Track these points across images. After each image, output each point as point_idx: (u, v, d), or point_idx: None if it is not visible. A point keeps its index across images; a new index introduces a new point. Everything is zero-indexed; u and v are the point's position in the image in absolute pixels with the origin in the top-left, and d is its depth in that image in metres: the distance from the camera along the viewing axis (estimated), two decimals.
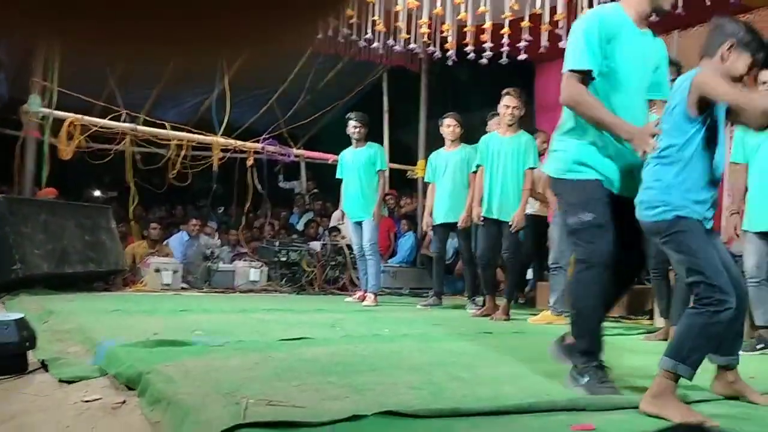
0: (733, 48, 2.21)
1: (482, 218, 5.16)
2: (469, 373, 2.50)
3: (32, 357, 2.68)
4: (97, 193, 9.46)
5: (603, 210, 2.38)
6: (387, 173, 6.29)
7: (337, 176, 6.18)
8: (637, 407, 2.01)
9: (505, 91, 5.13)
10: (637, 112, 2.47)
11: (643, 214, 2.24)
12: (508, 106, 5.07)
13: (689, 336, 2.07)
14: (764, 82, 3.70)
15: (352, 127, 5.97)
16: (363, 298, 5.92)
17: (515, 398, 2.06)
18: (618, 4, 2.56)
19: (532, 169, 5.08)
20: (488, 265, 5.25)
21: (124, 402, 2.10)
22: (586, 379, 2.28)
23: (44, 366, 2.60)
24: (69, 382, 2.37)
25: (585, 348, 2.35)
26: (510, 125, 5.12)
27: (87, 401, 2.14)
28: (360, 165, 5.93)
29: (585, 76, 2.43)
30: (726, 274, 2.11)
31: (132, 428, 1.87)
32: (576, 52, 2.44)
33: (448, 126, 5.85)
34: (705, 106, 2.14)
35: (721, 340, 2.17)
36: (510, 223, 4.98)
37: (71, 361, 2.67)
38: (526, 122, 9.20)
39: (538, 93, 9.05)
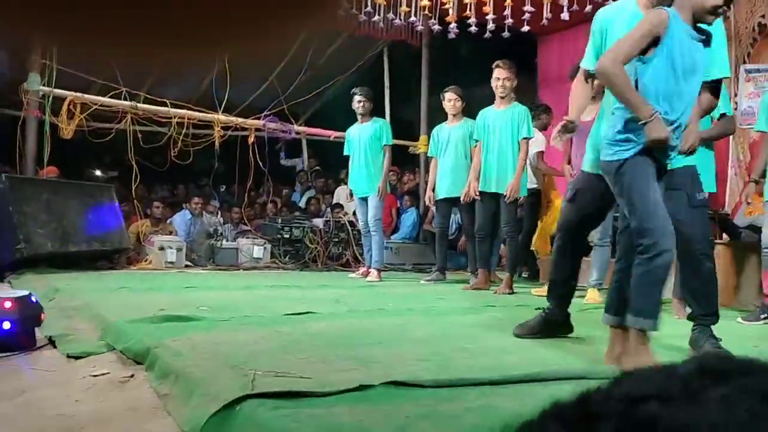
0: None
1: (479, 192, 5.16)
2: (474, 345, 2.51)
3: (40, 334, 2.70)
4: (98, 172, 9.44)
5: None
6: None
7: (345, 153, 6.16)
8: None
9: (495, 63, 5.08)
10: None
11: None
12: (498, 78, 5.04)
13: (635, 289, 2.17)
14: None
15: (357, 101, 5.94)
16: (366, 274, 5.94)
17: (521, 368, 2.07)
18: None
19: (527, 139, 5.06)
20: (485, 239, 5.25)
21: (132, 376, 2.11)
22: None
23: (52, 342, 2.62)
24: (77, 358, 2.39)
25: None
26: (503, 97, 5.09)
27: (95, 376, 2.16)
28: (365, 140, 5.90)
29: None
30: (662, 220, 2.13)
31: (141, 401, 1.88)
32: None
33: (450, 100, 5.81)
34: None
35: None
36: (505, 194, 4.98)
37: (79, 337, 2.69)
38: (530, 95, 9.18)
39: (541, 65, 8.99)
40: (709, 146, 3.85)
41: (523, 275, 6.41)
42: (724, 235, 5.35)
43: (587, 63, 2.80)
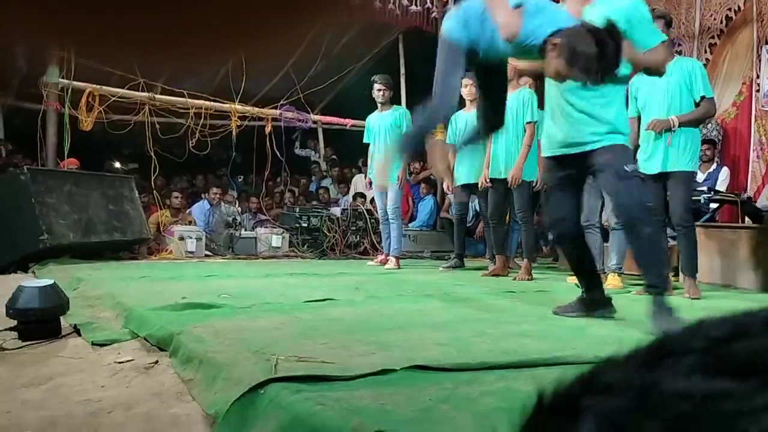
0: None
1: (489, 179, 5.16)
2: (494, 330, 2.51)
3: (65, 322, 2.74)
4: (117, 164, 9.53)
5: None
6: None
7: (365, 141, 6.15)
8: None
9: None
10: None
11: None
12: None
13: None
14: None
15: (377, 90, 5.93)
16: (385, 262, 5.95)
17: (541, 352, 2.07)
18: None
19: (532, 123, 5.03)
20: (498, 225, 5.24)
21: (156, 362, 2.14)
22: None
23: (77, 330, 2.66)
24: (102, 345, 2.42)
25: None
26: (510, 80, 5.06)
27: (120, 362, 2.20)
28: (385, 128, 5.89)
29: None
30: None
31: (165, 385, 1.91)
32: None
33: (465, 86, 5.77)
34: None
35: None
36: (507, 180, 4.99)
37: (103, 325, 2.73)
38: (540, 77, 9.06)
39: None
40: (692, 126, 3.97)
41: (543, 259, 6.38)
42: (747, 219, 5.28)
43: None
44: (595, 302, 2.93)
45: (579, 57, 2.36)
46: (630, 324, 2.78)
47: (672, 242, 4.72)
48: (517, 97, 5.05)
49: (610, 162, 2.67)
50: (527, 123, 5.03)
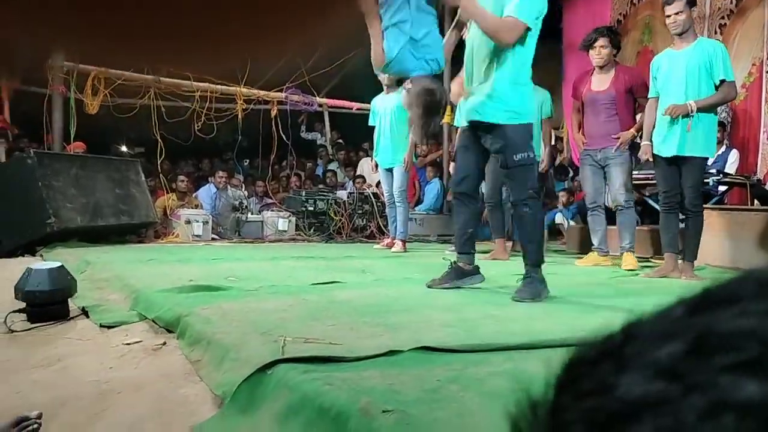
0: None
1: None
2: (501, 311, 2.51)
3: (73, 304, 2.75)
4: (123, 148, 9.52)
5: None
6: None
7: (370, 123, 6.12)
8: None
9: None
10: None
11: None
12: None
13: None
14: (668, 16, 3.88)
15: None
16: (391, 245, 5.94)
17: (548, 333, 2.06)
18: None
19: (549, 119, 5.09)
20: (495, 208, 5.22)
21: (164, 343, 2.15)
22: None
23: (85, 312, 2.68)
24: (110, 327, 2.44)
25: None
26: None
27: (128, 344, 2.21)
28: (391, 111, 5.84)
29: None
30: None
31: (173, 367, 1.91)
32: None
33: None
34: None
35: None
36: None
37: (111, 308, 2.74)
38: (555, 61, 9.01)
39: (566, 32, 8.81)
40: (711, 111, 3.90)
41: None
42: (756, 202, 5.24)
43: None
44: (465, 271, 3.19)
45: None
46: (638, 305, 2.76)
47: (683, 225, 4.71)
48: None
49: (500, 150, 2.93)
50: (546, 119, 5.06)
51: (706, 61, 3.82)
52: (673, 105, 3.82)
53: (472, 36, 3.02)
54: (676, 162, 3.91)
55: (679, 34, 3.89)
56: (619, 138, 4.50)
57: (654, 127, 4.04)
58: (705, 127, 3.84)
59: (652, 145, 4.04)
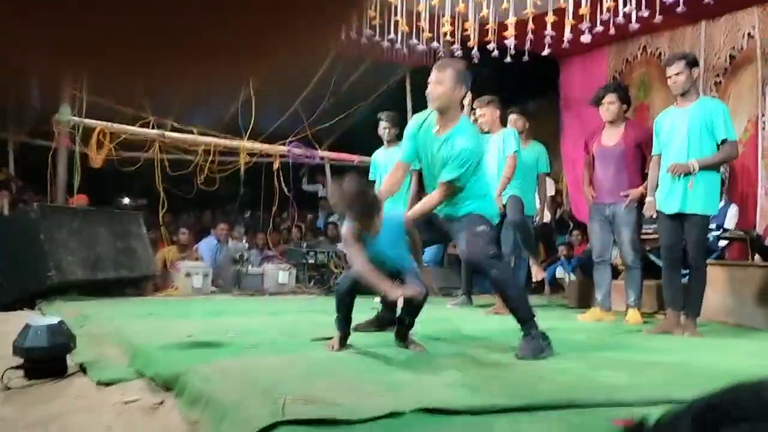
0: None
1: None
2: (505, 370, 2.48)
3: (71, 360, 2.72)
4: (126, 200, 9.59)
5: None
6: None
7: (370, 177, 6.18)
8: (675, 402, 1.98)
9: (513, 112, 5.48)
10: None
11: None
12: (482, 116, 5.33)
13: None
14: (669, 77, 4.01)
15: (383, 127, 5.99)
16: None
17: (553, 394, 2.03)
18: None
19: (512, 155, 5.14)
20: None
21: (162, 402, 2.12)
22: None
23: (83, 369, 2.65)
24: (107, 384, 2.40)
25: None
26: (490, 130, 5.29)
27: (126, 402, 2.17)
28: (392, 165, 5.92)
29: None
30: None
31: (171, 428, 1.88)
32: None
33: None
34: None
35: None
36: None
37: (109, 364, 2.71)
38: (552, 117, 9.15)
39: (563, 88, 8.97)
40: (713, 170, 3.95)
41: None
42: (757, 257, 5.24)
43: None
44: (386, 320, 3.44)
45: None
46: (641, 366, 2.74)
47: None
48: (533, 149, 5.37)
49: (462, 227, 3.17)
50: (507, 155, 5.11)
51: (707, 120, 3.87)
52: (675, 163, 3.87)
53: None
54: (679, 218, 3.93)
55: (680, 94, 3.97)
56: (628, 195, 4.54)
57: (657, 183, 4.08)
58: (707, 185, 3.87)
59: (655, 201, 4.08)
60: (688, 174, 3.84)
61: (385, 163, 5.98)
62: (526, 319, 2.99)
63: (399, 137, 6.13)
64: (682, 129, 3.93)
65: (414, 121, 3.43)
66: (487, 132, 5.26)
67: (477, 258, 3.10)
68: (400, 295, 2.78)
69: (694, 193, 3.85)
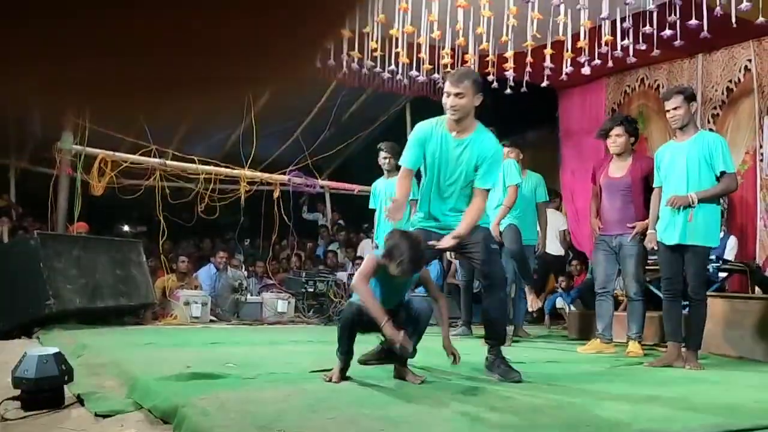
0: None
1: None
2: (505, 404, 2.46)
3: (68, 391, 2.70)
4: (126, 228, 9.59)
5: None
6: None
7: (370, 206, 6.20)
8: None
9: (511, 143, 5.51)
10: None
11: None
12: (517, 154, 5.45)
13: None
14: (667, 111, 4.05)
15: (383, 157, 6.02)
16: None
17: (553, 428, 2.02)
18: None
19: (513, 186, 5.17)
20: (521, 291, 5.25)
21: None
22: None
23: (80, 400, 2.63)
24: (105, 416, 2.38)
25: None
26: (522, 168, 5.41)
27: None
28: (391, 194, 5.94)
29: None
30: None
31: None
32: None
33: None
34: None
35: None
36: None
37: (107, 395, 2.69)
38: (551, 148, 9.20)
39: (562, 119, 9.05)
40: (713, 202, 3.99)
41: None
42: (757, 288, 5.24)
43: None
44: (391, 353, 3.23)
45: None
46: (642, 400, 2.72)
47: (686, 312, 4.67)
48: (533, 179, 5.48)
49: (480, 240, 3.29)
50: (509, 186, 5.15)
51: (706, 153, 3.90)
52: (674, 196, 3.89)
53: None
54: (679, 250, 3.94)
55: (679, 128, 4.00)
56: (635, 227, 4.54)
57: (658, 215, 4.10)
58: (707, 216, 3.89)
59: (656, 233, 4.09)
60: (688, 207, 3.86)
61: (385, 193, 6.01)
62: (503, 343, 3.38)
63: (397, 167, 6.17)
64: (681, 162, 3.95)
65: (421, 128, 3.45)
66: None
67: (498, 273, 3.34)
68: (396, 341, 2.80)
69: (694, 225, 3.86)
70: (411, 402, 2.43)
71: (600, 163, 4.97)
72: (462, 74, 3.36)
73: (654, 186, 4.22)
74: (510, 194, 5.16)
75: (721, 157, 3.87)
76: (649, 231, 4.22)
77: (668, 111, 4.03)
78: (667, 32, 5.36)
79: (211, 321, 6.57)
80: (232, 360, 3.41)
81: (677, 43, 5.42)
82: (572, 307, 6.87)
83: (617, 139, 4.67)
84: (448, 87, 3.28)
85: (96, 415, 2.40)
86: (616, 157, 4.74)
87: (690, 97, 4.01)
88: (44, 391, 2.53)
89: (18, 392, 2.55)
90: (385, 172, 6.05)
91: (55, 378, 2.56)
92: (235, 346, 4.31)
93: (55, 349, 2.68)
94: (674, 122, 4.01)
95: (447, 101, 3.27)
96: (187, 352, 3.83)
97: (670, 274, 4.00)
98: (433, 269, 8.35)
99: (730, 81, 7.03)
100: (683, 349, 3.96)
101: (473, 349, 4.69)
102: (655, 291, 5.75)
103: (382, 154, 6.02)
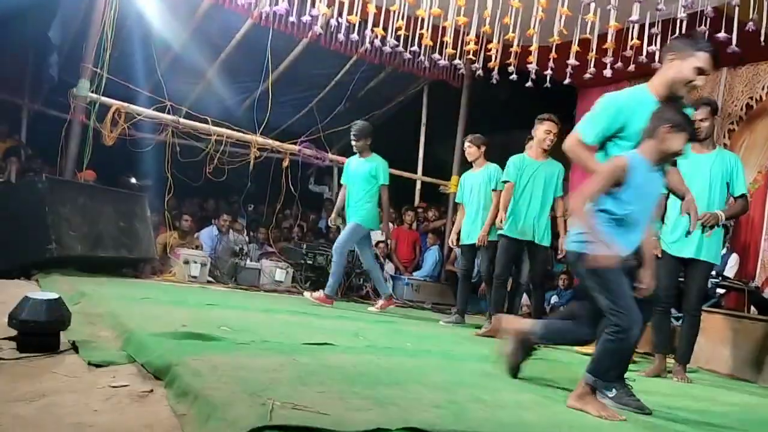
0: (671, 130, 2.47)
1: (504, 236, 5.21)
2: (492, 396, 2.49)
3: (63, 337, 2.73)
4: (132, 180, 9.60)
5: None
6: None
7: (342, 181, 6.21)
8: None
9: (546, 116, 5.15)
10: None
11: None
12: (549, 132, 5.12)
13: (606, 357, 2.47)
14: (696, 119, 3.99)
15: (352, 138, 6.04)
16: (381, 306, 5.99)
17: (537, 426, 2.05)
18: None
19: (560, 198, 5.14)
20: (501, 286, 5.24)
21: (151, 391, 2.13)
22: (613, 392, 2.68)
23: (75, 347, 2.66)
24: (98, 366, 2.41)
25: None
26: (545, 150, 5.18)
27: (115, 387, 2.18)
28: (359, 175, 5.97)
29: None
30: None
31: (159, 417, 1.89)
32: None
33: (465, 148, 6.02)
34: None
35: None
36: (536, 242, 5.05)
37: (101, 345, 2.72)
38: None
39: (579, 118, 8.98)
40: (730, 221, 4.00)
41: None
42: (753, 308, 5.24)
43: (588, 137, 2.84)
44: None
45: None
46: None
47: (675, 323, 4.68)
48: (550, 168, 5.33)
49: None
50: (557, 197, 5.18)
51: (726, 172, 3.93)
52: (707, 213, 3.82)
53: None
54: (683, 263, 3.92)
55: (702, 140, 3.97)
56: None
57: (664, 222, 4.08)
58: (715, 234, 3.90)
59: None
60: (712, 227, 3.82)
61: (354, 171, 5.99)
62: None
63: (371, 149, 6.11)
64: (704, 177, 3.93)
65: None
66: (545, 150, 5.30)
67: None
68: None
69: (708, 242, 3.86)
70: (400, 385, 2.46)
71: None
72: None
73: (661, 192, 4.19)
74: (559, 205, 5.23)
75: (741, 178, 3.92)
76: (652, 239, 4.20)
77: (694, 121, 3.98)
78: None
79: (209, 282, 6.62)
80: (227, 323, 3.44)
81: None
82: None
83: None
84: None
85: (89, 363, 2.43)
86: None
87: (715, 110, 4.02)
88: (41, 334, 2.57)
89: (14, 333, 2.58)
90: (358, 153, 6.06)
91: (52, 323, 2.59)
92: (231, 310, 4.34)
93: (56, 295, 2.71)
94: (698, 133, 3.98)
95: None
96: (182, 310, 3.86)
97: (668, 285, 4.00)
98: (432, 255, 8.40)
99: (751, 98, 6.97)
100: (671, 361, 3.98)
101: (466, 339, 4.74)
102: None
103: (351, 134, 6.03)
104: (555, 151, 5.91)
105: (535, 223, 5.15)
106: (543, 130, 5.17)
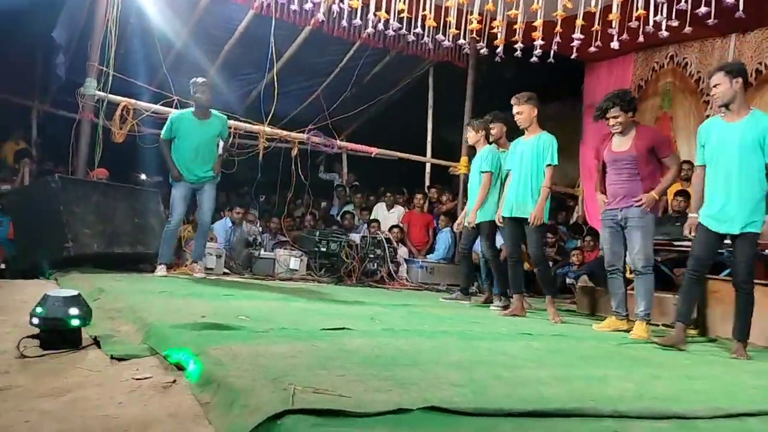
0: None
1: (503, 219, 5.22)
2: (511, 373, 2.50)
3: (85, 333, 2.77)
4: (143, 176, 9.65)
5: None
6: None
7: (163, 136, 5.86)
8: (679, 417, 2.00)
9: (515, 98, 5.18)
10: None
11: None
12: (520, 113, 5.12)
13: None
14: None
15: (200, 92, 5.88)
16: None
17: (558, 401, 2.05)
18: None
19: (550, 166, 5.05)
20: (517, 264, 5.23)
21: (174, 381, 2.16)
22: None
23: (96, 342, 2.70)
24: (120, 360, 2.45)
25: None
26: (527, 127, 5.15)
27: (138, 379, 2.22)
28: (203, 136, 5.91)
29: None
30: None
31: (182, 407, 1.92)
32: None
33: (519, 113, 5.67)
34: None
35: None
36: (529, 221, 5.00)
37: (122, 339, 2.76)
38: (574, 120, 9.09)
39: (587, 93, 8.92)
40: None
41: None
42: None
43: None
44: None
45: None
46: (650, 377, 2.75)
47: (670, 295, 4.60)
48: (537, 141, 5.09)
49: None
50: (547, 166, 5.05)
51: (759, 137, 3.71)
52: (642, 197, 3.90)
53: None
54: (730, 236, 3.80)
55: (722, 106, 3.84)
56: (641, 200, 4.44)
57: (703, 197, 3.93)
58: (759, 203, 3.74)
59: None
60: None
61: (200, 132, 5.87)
62: None
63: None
64: (733, 144, 3.76)
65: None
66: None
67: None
68: None
69: (749, 213, 3.71)
70: (418, 365, 2.47)
71: (603, 139, 4.83)
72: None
73: (696, 164, 4.06)
74: (548, 175, 5.11)
75: None
76: (690, 215, 4.05)
77: (711, 89, 3.90)
78: (702, 9, 5.24)
79: (225, 273, 6.67)
80: (245, 313, 3.48)
81: (711, 21, 5.29)
82: (577, 283, 6.88)
83: (614, 120, 4.52)
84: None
85: (112, 357, 2.47)
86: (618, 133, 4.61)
87: (732, 73, 3.76)
88: (62, 331, 2.60)
89: (37, 331, 2.62)
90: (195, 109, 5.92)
91: (74, 319, 2.63)
92: (249, 300, 4.38)
93: (75, 292, 2.74)
94: (716, 100, 3.89)
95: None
96: (201, 302, 3.90)
97: (704, 255, 3.87)
98: (444, 237, 8.40)
99: (760, 63, 6.88)
100: (735, 342, 3.84)
101: (482, 318, 4.75)
102: (665, 270, 5.72)
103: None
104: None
105: (522, 199, 5.16)
106: (515, 112, 5.20)
